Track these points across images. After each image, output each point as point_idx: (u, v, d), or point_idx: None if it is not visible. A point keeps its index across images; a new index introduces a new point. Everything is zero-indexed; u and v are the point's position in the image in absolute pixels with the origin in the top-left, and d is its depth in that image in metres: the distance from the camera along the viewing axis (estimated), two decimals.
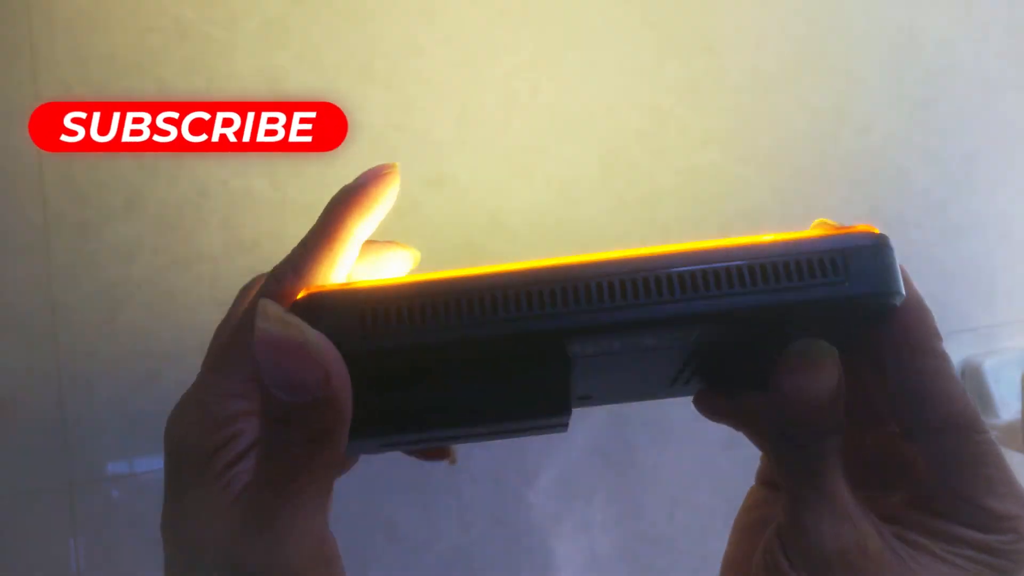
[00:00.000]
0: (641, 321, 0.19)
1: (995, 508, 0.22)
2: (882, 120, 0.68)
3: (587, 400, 0.26)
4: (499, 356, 0.19)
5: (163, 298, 0.55)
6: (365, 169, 0.24)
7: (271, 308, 0.19)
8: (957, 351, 0.68)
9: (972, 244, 0.69)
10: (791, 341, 0.22)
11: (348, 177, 0.24)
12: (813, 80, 0.66)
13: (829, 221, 0.24)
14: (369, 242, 0.25)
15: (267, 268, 0.60)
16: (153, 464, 0.55)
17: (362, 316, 0.19)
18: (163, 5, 0.55)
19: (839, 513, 0.22)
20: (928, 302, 0.23)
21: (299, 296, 0.20)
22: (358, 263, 0.25)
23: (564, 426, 0.22)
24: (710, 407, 0.29)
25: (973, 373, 0.67)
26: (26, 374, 0.53)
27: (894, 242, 0.23)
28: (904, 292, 0.23)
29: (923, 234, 0.68)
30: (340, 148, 0.58)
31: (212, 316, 0.23)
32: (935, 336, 0.23)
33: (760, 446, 0.28)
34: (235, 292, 0.25)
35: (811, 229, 0.22)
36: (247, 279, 0.25)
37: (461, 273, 0.20)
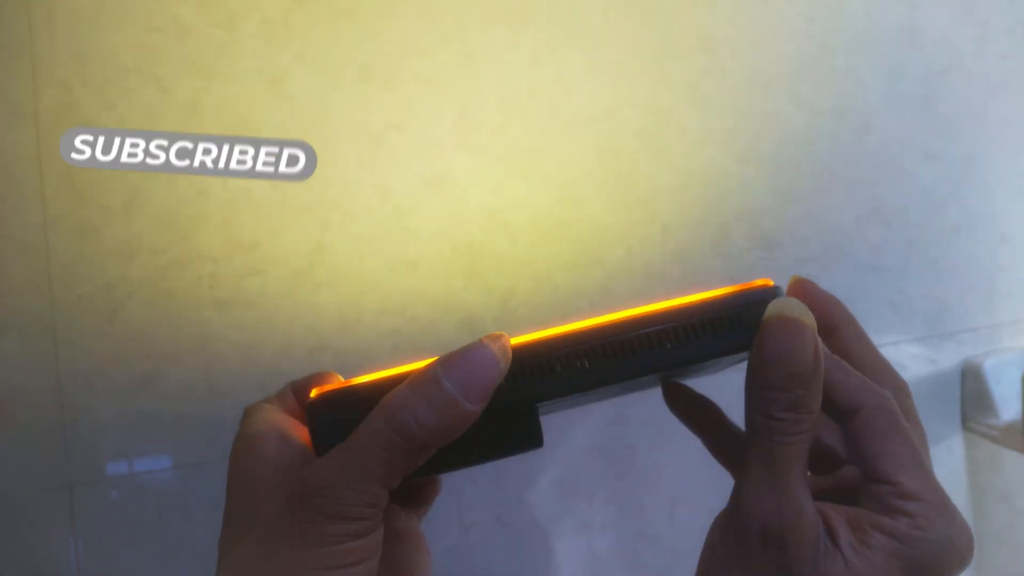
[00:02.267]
0: (566, 389, 0.25)
1: (904, 484, 0.23)
2: (882, 120, 0.68)
3: (552, 411, 0.30)
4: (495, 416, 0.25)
5: (163, 298, 0.55)
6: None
7: (504, 340, 0.24)
8: (957, 351, 0.68)
9: (972, 244, 0.69)
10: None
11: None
12: (813, 80, 0.66)
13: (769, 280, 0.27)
14: None
15: (267, 268, 0.60)
16: (153, 464, 0.55)
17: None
18: (163, 5, 0.55)
19: (775, 491, 0.23)
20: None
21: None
22: None
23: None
24: (675, 402, 0.30)
25: (973, 373, 0.67)
26: (26, 374, 0.53)
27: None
28: None
29: (923, 234, 0.68)
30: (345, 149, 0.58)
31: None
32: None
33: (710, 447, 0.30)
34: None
35: (718, 290, 0.26)
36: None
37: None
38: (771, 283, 0.26)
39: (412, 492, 0.32)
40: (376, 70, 0.58)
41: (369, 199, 0.58)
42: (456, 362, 0.23)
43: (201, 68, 0.56)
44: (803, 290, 0.29)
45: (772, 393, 0.23)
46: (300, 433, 0.27)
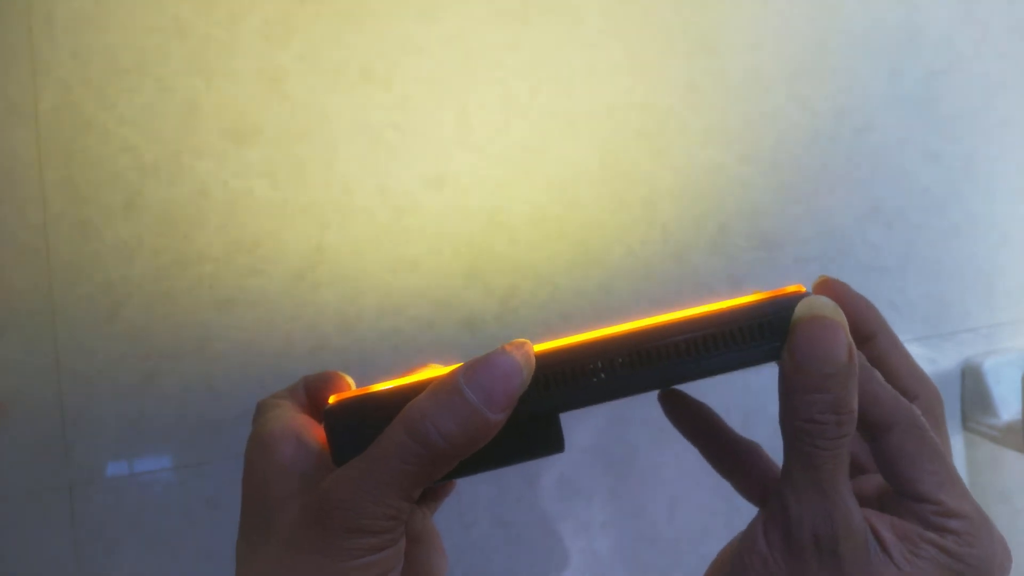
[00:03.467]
0: (592, 397, 0.25)
1: (947, 502, 0.23)
2: (882, 120, 0.68)
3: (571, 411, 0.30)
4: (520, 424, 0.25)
5: (163, 298, 0.55)
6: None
7: (528, 347, 0.24)
8: (957, 351, 0.68)
9: (972, 244, 0.69)
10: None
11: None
12: (813, 80, 0.66)
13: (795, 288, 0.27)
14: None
15: (267, 268, 0.60)
16: (153, 464, 0.55)
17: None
18: (163, 5, 0.55)
19: (823, 497, 0.23)
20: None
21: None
22: None
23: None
24: (673, 410, 0.30)
25: (973, 373, 0.67)
26: (26, 374, 0.53)
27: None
28: None
29: (923, 234, 0.68)
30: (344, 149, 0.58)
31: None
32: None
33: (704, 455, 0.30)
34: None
35: (749, 296, 0.25)
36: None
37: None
38: (803, 289, 0.25)
39: (426, 489, 0.32)
40: (376, 70, 0.58)
41: (369, 199, 0.58)
42: (479, 371, 0.23)
43: (201, 68, 0.56)
44: (833, 291, 0.28)
45: (811, 395, 0.22)
46: (316, 434, 0.26)
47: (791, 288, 0.25)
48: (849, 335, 0.23)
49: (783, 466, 0.24)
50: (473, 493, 0.59)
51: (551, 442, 0.25)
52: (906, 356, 0.27)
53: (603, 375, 0.25)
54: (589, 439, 0.61)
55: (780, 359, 0.24)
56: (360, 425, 0.24)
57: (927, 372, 0.28)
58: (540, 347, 0.25)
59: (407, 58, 0.59)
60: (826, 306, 0.23)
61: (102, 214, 0.54)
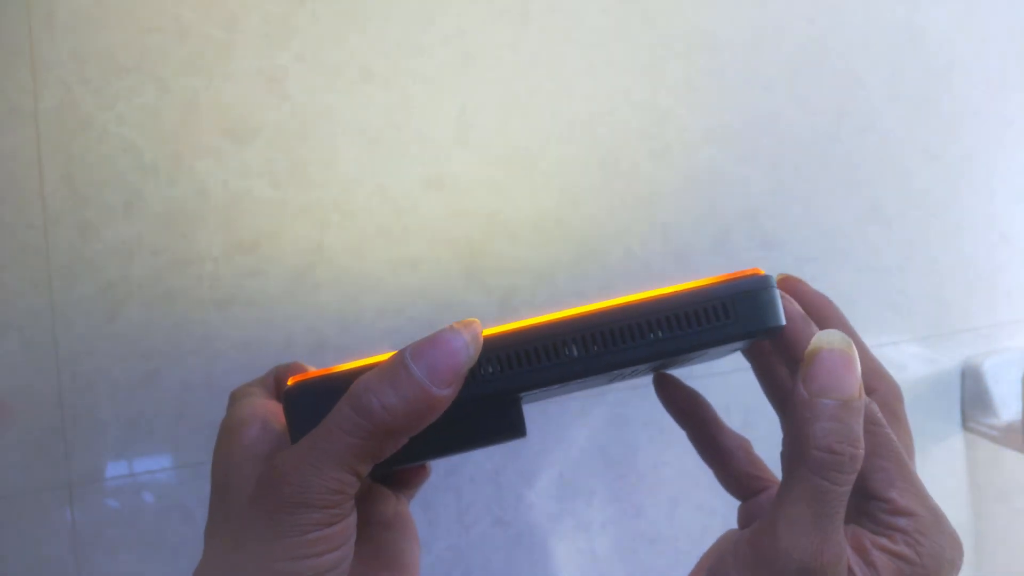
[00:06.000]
0: (549, 380, 0.25)
1: (896, 500, 0.23)
2: (882, 120, 0.68)
3: (534, 400, 0.30)
4: (473, 407, 0.25)
5: (163, 298, 0.55)
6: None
7: (476, 326, 0.24)
8: (957, 351, 0.68)
9: (972, 244, 0.69)
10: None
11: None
12: (813, 80, 0.66)
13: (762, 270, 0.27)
14: None
15: (267, 268, 0.61)
16: (153, 464, 0.55)
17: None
18: (163, 5, 0.55)
19: (819, 533, 0.22)
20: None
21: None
22: None
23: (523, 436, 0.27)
24: (665, 393, 0.30)
25: (973, 373, 0.67)
26: (26, 374, 0.53)
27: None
28: (784, 321, 0.25)
29: (923, 234, 0.68)
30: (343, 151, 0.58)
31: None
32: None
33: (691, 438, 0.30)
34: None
35: (708, 278, 0.25)
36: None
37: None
38: (761, 272, 0.25)
39: (399, 474, 0.32)
40: (376, 70, 0.58)
41: (369, 199, 0.58)
42: (424, 347, 0.23)
43: (201, 68, 0.56)
44: (792, 288, 0.28)
45: (829, 423, 0.22)
46: (281, 420, 0.27)
47: (750, 270, 0.25)
48: (860, 371, 0.23)
49: (780, 493, 0.23)
50: (473, 493, 0.59)
51: (512, 427, 0.26)
52: (865, 350, 0.28)
53: (561, 356, 0.25)
54: (589, 439, 0.61)
55: (744, 348, 0.24)
56: (317, 404, 0.24)
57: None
58: (498, 328, 0.25)
59: (407, 58, 0.59)
60: (842, 340, 0.23)
61: (102, 214, 0.54)
